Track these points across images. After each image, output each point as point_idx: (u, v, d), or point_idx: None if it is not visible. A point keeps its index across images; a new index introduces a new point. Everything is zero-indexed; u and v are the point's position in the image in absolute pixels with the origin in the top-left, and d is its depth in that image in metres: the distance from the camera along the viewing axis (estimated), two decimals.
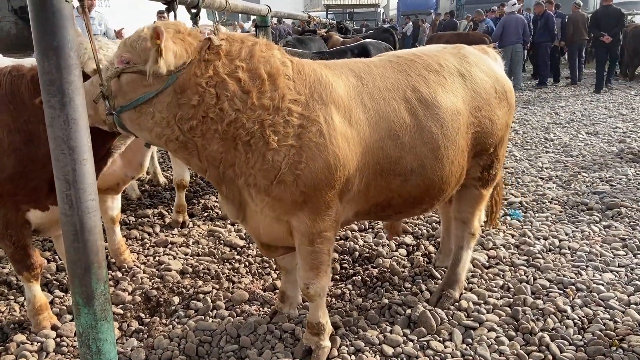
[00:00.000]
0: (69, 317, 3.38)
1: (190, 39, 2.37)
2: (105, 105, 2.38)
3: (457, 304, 3.40)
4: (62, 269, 4.09)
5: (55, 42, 1.85)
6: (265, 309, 3.49)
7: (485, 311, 3.33)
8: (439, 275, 3.78)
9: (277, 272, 3.94)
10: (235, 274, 3.98)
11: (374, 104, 2.64)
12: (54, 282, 3.88)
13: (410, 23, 25.47)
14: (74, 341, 3.14)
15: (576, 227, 4.65)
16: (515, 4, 13.79)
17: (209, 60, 2.35)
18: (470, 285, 3.66)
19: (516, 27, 13.64)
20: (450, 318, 3.26)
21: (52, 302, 3.57)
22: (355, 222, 4.74)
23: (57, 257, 4.27)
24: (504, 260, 4.02)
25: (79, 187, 2.00)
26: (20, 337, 3.16)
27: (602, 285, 3.59)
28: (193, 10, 3.41)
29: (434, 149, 2.77)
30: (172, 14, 3.19)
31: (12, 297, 3.66)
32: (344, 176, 2.53)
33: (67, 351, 3.07)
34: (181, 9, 3.28)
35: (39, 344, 3.09)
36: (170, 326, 3.31)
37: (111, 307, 2.24)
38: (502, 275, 3.81)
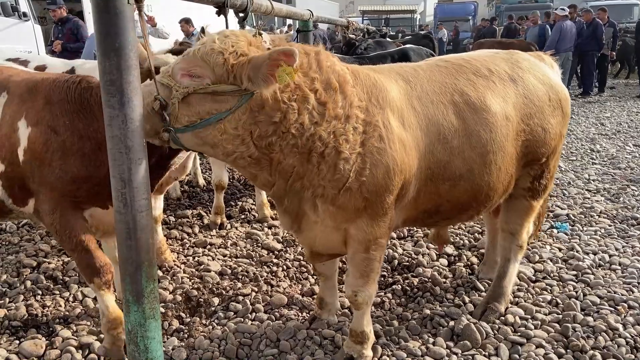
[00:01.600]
0: None
1: (259, 51, 2.26)
2: (163, 118, 2.18)
3: (502, 318, 3.30)
4: None
5: (117, 43, 1.88)
6: (304, 314, 3.46)
7: (532, 327, 3.22)
8: (482, 288, 3.68)
9: (315, 277, 3.91)
10: (274, 278, 3.97)
11: (423, 108, 2.61)
12: None
13: (444, 30, 25.23)
14: None
15: (627, 242, 4.46)
16: (565, 9, 13.43)
17: None
18: (517, 299, 3.55)
19: (571, 33, 13.28)
20: (496, 332, 3.16)
21: (95, 299, 3.63)
22: (395, 230, 4.67)
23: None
24: (552, 275, 3.89)
25: (133, 186, 2.02)
26: (65, 332, 3.22)
27: None
28: (241, 14, 3.43)
29: (482, 154, 2.71)
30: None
31: (57, 292, 3.74)
32: (401, 181, 2.50)
33: None
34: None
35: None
36: (210, 327, 3.32)
37: (159, 306, 2.26)
38: (550, 290, 3.68)
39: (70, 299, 3.66)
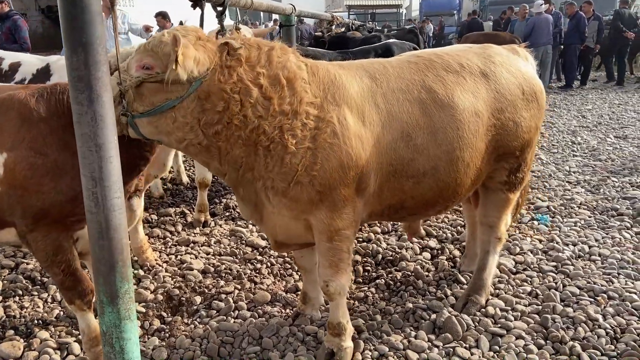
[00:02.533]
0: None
1: (211, 45, 2.36)
2: (122, 105, 2.31)
3: (483, 310, 3.32)
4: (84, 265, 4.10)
5: (84, 38, 1.83)
6: (288, 310, 3.45)
7: (513, 318, 3.25)
8: (464, 280, 3.70)
9: (299, 273, 3.90)
10: (257, 275, 3.95)
11: (387, 105, 2.63)
12: None
13: (430, 24, 25.24)
14: None
15: (606, 233, 4.51)
16: (541, 4, 13.51)
17: (231, 67, 2.34)
18: (497, 291, 3.57)
19: (547, 27, 13.38)
20: (477, 324, 3.18)
21: None
22: (378, 224, 4.68)
23: None
24: (532, 266, 3.92)
25: (105, 185, 1.98)
26: (43, 334, 3.17)
27: (635, 293, 3.47)
28: (219, 8, 3.39)
29: (449, 151, 2.73)
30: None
31: (35, 293, 3.69)
32: (357, 175, 2.53)
33: None
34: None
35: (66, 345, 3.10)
36: (192, 326, 3.29)
37: (135, 306, 2.22)
38: (530, 281, 3.71)
39: (49, 300, 3.61)
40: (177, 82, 2.25)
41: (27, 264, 4.10)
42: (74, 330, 3.23)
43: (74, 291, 2.76)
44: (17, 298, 3.61)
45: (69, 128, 2.33)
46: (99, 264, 2.07)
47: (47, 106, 2.57)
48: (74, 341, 3.09)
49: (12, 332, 3.22)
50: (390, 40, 7.82)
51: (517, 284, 3.67)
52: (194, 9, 3.08)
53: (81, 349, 3.03)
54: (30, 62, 4.49)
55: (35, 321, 3.34)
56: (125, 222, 2.11)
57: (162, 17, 9.66)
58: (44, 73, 4.39)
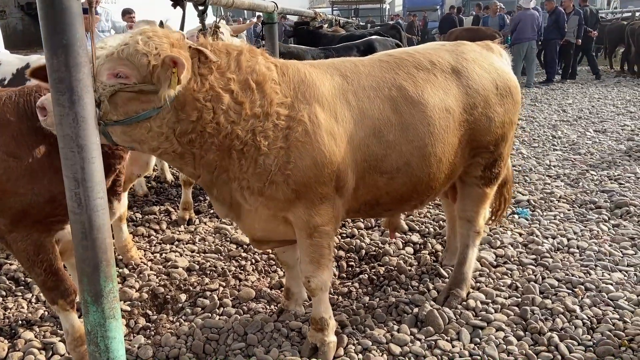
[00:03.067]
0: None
1: (184, 52, 2.31)
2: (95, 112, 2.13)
3: (464, 303, 3.38)
4: None
5: (64, 40, 1.84)
6: (272, 306, 3.48)
7: (493, 310, 3.32)
8: (446, 274, 3.76)
9: (282, 267, 3.93)
10: (242, 272, 3.98)
11: (359, 102, 2.67)
12: None
13: (417, 22, 25.38)
14: None
15: (585, 226, 4.61)
16: (530, 0, 13.68)
17: (203, 74, 2.34)
18: (478, 284, 3.64)
19: (532, 23, 13.56)
20: (458, 317, 3.25)
21: None
22: (362, 220, 4.72)
23: None
24: (512, 259, 4.00)
25: (87, 186, 2.00)
26: (28, 334, 3.17)
27: (611, 284, 3.56)
28: (200, 8, 3.40)
29: (420, 147, 2.78)
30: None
31: (19, 294, 3.67)
32: (334, 172, 2.56)
33: None
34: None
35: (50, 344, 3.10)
36: (178, 323, 3.31)
37: (119, 305, 2.24)
38: (510, 274, 3.78)
39: (33, 300, 3.60)
40: (153, 93, 2.22)
41: (11, 264, 4.07)
42: (58, 330, 3.22)
43: (56, 291, 2.76)
44: (0, 299, 3.59)
45: (40, 130, 2.42)
46: (82, 264, 2.09)
47: (16, 109, 2.57)
48: (59, 341, 3.09)
49: None
50: (373, 37, 7.87)
51: (498, 277, 3.74)
52: (175, 8, 3.09)
53: (66, 349, 3.04)
54: (10, 61, 4.46)
55: (20, 322, 3.33)
56: (108, 222, 2.13)
57: (128, 14, 9.26)
58: (24, 73, 4.35)
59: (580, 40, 14.69)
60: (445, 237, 4.29)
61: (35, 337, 3.17)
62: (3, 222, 2.62)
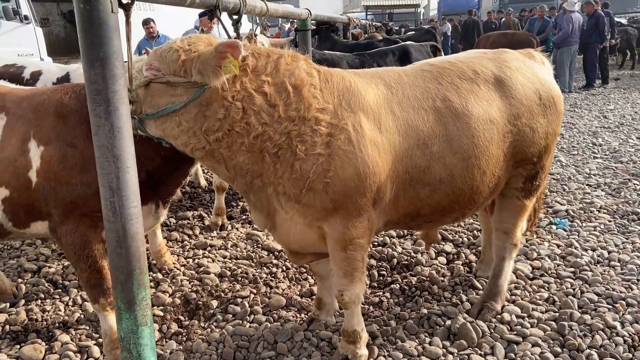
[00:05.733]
0: None
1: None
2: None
3: (499, 316, 3.30)
4: None
5: (101, 53, 1.89)
6: (302, 315, 3.47)
7: (529, 325, 3.22)
8: (480, 286, 3.68)
9: (315, 278, 3.92)
10: (273, 279, 3.98)
11: (403, 113, 2.63)
12: None
13: (448, 24, 25.05)
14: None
15: (626, 238, 4.44)
16: (576, 2, 13.31)
17: (236, 76, 2.37)
18: (513, 297, 3.54)
19: (577, 26, 13.21)
20: (492, 331, 3.16)
21: None
22: (393, 229, 4.67)
23: None
24: (549, 272, 3.88)
25: (122, 195, 2.03)
26: (64, 337, 3.25)
27: None
28: (235, 17, 3.43)
29: (464, 158, 2.72)
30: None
31: (57, 297, 3.78)
32: (375, 184, 2.52)
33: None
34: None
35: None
36: (209, 330, 3.34)
37: (152, 313, 2.27)
38: (547, 287, 3.67)
39: (70, 303, 3.69)
40: (184, 88, 2.32)
41: (49, 267, 4.20)
42: (94, 334, 3.30)
43: (98, 289, 2.85)
44: (39, 301, 3.70)
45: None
46: (116, 272, 2.13)
47: (76, 102, 2.77)
48: (94, 344, 3.16)
49: (34, 335, 3.30)
50: (408, 43, 7.80)
51: (534, 290, 3.64)
52: (211, 20, 3.13)
53: (101, 352, 3.10)
54: (51, 70, 4.61)
55: (57, 324, 3.42)
56: (142, 230, 2.16)
57: (148, 24, 9.32)
58: (64, 81, 4.50)
59: (613, 41, 14.20)
60: (479, 248, 4.19)
61: (71, 339, 3.24)
62: (56, 212, 2.77)
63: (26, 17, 10.04)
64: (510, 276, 3.55)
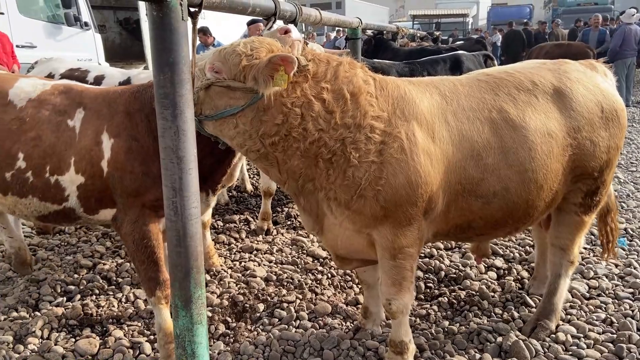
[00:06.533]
0: None
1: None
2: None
3: (553, 335, 3.19)
4: None
5: (170, 59, 1.95)
6: (348, 323, 3.46)
7: (585, 346, 3.10)
8: (532, 303, 3.56)
9: (360, 286, 3.90)
10: (318, 285, 3.99)
11: (457, 123, 2.59)
12: None
13: (499, 34, 24.56)
14: None
15: None
16: (634, 14, 12.82)
17: (297, 82, 2.40)
18: (569, 316, 3.42)
19: (634, 38, 12.70)
20: (546, 350, 3.06)
21: (146, 300, 3.76)
22: (441, 241, 4.59)
23: None
24: (607, 292, 3.72)
25: (184, 195, 2.09)
26: (118, 332, 3.35)
27: None
28: (290, 25, 3.49)
29: (520, 172, 2.66)
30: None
31: (111, 293, 3.90)
32: (426, 193, 2.49)
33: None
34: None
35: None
36: (255, 332, 3.37)
37: (206, 312, 2.31)
38: (605, 308, 3.52)
39: (123, 299, 3.81)
40: (243, 91, 2.36)
41: (104, 264, 4.35)
42: (145, 331, 3.39)
43: (154, 282, 2.95)
44: (94, 297, 3.84)
45: (154, 118, 2.70)
46: (175, 270, 2.18)
47: (140, 102, 3.00)
48: (146, 341, 3.24)
49: (88, 329, 3.42)
50: (460, 52, 7.69)
51: (591, 310, 3.50)
52: (266, 26, 3.19)
53: (152, 349, 3.18)
54: (113, 74, 4.80)
55: (110, 320, 3.53)
56: (200, 231, 2.21)
57: (203, 33, 9.55)
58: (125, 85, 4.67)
59: None
60: (532, 264, 4.07)
61: (124, 335, 3.34)
62: (121, 201, 2.97)
63: (86, 24, 10.47)
64: (566, 295, 3.42)
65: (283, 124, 2.40)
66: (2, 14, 8.24)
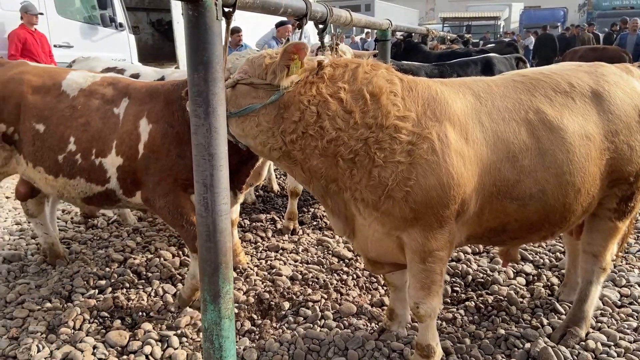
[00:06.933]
0: (189, 309, 3.61)
1: (305, 61, 2.52)
2: None
3: (583, 343, 3.13)
4: (184, 264, 4.38)
5: (205, 57, 1.99)
6: (373, 324, 3.45)
7: (615, 354, 3.03)
8: (562, 310, 3.50)
9: (385, 288, 3.89)
10: (343, 286, 3.99)
11: (492, 124, 2.56)
12: (178, 276, 4.17)
13: (532, 37, 24.13)
14: (194, 334, 3.34)
15: None
16: None
17: (313, 82, 2.47)
18: (599, 324, 3.34)
19: None
20: (575, 358, 3.00)
21: (174, 295, 3.84)
22: (469, 245, 4.55)
23: (181, 252, 4.60)
24: (639, 300, 3.62)
25: (215, 191, 2.13)
26: (147, 325, 3.42)
27: None
28: (320, 26, 3.51)
29: (557, 174, 2.61)
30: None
31: (141, 287, 3.98)
32: (459, 195, 2.46)
33: (187, 343, 3.27)
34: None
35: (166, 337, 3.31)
36: (280, 330, 3.40)
37: (234, 307, 2.35)
38: (637, 316, 3.44)
39: (152, 293, 3.89)
40: (265, 90, 2.47)
41: (134, 259, 4.45)
42: (173, 324, 3.45)
43: (195, 240, 3.16)
44: (124, 290, 3.93)
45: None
46: (204, 264, 2.22)
47: (179, 92, 3.25)
48: (174, 335, 3.30)
49: (119, 322, 3.50)
50: (491, 54, 7.59)
51: (622, 319, 3.41)
52: (299, 28, 3.22)
53: (180, 343, 3.24)
54: (148, 74, 4.93)
55: (140, 313, 3.61)
56: (229, 227, 2.25)
57: (236, 33, 9.53)
58: None
59: None
60: (562, 270, 3.99)
61: (153, 328, 3.41)
62: (152, 180, 3.31)
63: (121, 25, 10.74)
64: (597, 302, 3.35)
65: (300, 121, 2.46)
66: (41, 14, 8.51)
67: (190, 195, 3.34)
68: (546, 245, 4.58)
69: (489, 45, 14.46)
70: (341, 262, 4.43)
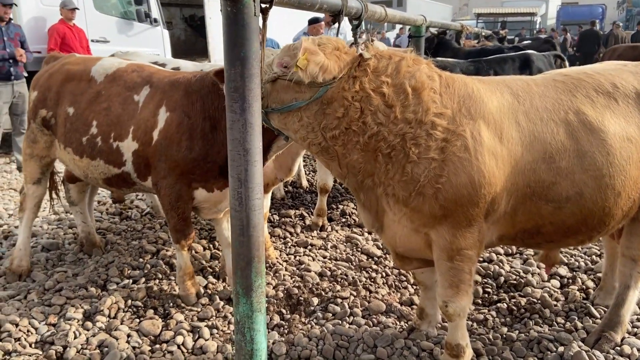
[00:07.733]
0: (221, 302, 3.66)
1: (346, 57, 2.49)
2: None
3: (618, 348, 3.05)
4: (215, 257, 4.44)
5: (242, 53, 2.01)
6: (402, 323, 3.44)
7: None
8: (597, 314, 3.41)
9: (415, 286, 3.87)
10: (372, 283, 3.98)
11: (529, 124, 2.52)
12: (208, 268, 4.23)
13: (569, 35, 23.50)
14: (224, 326, 3.39)
15: None
16: None
17: (357, 77, 2.44)
18: (635, 329, 3.26)
19: None
20: None
21: (205, 287, 3.90)
22: (502, 246, 4.47)
23: (212, 245, 4.66)
24: None
25: (249, 186, 2.15)
26: (179, 316, 3.49)
27: None
28: (355, 22, 3.50)
29: (597, 177, 2.54)
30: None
31: (172, 278, 4.06)
32: (489, 194, 2.43)
33: (218, 335, 3.32)
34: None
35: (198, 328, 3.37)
36: (309, 326, 3.41)
37: (265, 301, 2.37)
38: None
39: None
40: (304, 84, 2.41)
41: (167, 250, 4.53)
42: (204, 316, 3.50)
43: (181, 233, 3.56)
44: (157, 281, 4.01)
45: (208, 101, 3.28)
46: (238, 258, 2.25)
47: (200, 84, 3.36)
48: (205, 326, 3.35)
49: (152, 311, 3.58)
50: (530, 51, 7.41)
51: None
52: (334, 23, 3.22)
53: (211, 334, 3.29)
54: (188, 67, 4.99)
55: (171, 303, 3.68)
56: (262, 221, 2.27)
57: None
58: None
59: None
60: (598, 274, 3.89)
61: (185, 319, 3.47)
62: (163, 167, 3.39)
63: (155, 20, 10.91)
64: (634, 307, 3.25)
65: (344, 117, 2.44)
66: (77, 9, 8.72)
67: (193, 190, 3.44)
68: (582, 248, 4.47)
69: (525, 42, 14.14)
70: (370, 259, 4.42)
